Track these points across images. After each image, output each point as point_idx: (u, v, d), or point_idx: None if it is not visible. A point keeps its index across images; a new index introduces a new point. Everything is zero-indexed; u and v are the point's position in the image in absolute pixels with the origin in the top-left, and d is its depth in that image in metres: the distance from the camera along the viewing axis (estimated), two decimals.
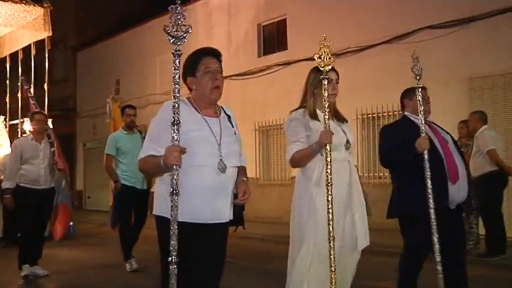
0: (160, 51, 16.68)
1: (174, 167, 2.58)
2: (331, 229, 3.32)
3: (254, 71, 13.59)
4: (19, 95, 11.71)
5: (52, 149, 6.69)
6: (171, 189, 2.58)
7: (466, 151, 7.54)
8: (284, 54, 13.09)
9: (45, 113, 9.99)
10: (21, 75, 11.48)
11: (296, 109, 3.81)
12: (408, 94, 4.28)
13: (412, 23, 10.32)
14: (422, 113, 3.87)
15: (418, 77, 3.92)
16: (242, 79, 13.83)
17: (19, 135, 10.64)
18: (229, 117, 3.08)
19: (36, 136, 6.60)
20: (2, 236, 9.45)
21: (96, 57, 19.50)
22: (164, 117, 2.77)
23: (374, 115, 11.07)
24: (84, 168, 20.38)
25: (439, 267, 3.74)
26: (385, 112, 10.85)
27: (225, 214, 2.90)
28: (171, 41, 2.84)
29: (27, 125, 10.42)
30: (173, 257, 2.60)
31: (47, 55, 11.64)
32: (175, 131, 2.59)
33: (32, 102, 9.54)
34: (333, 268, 3.31)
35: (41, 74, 11.86)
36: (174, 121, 2.58)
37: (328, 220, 3.32)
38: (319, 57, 3.59)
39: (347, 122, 3.85)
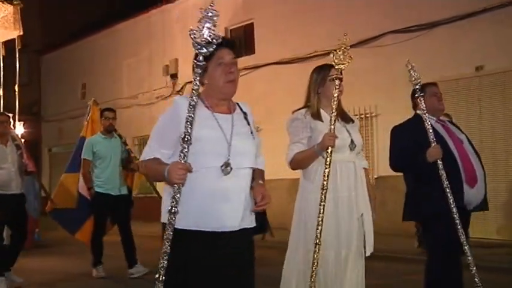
0: (127, 55, 16.59)
1: (176, 185, 2.37)
2: (318, 234, 3.19)
3: None
4: None
5: (19, 152, 6.36)
6: (170, 206, 2.37)
7: None
8: (252, 58, 13.13)
9: (16, 116, 9.82)
10: None
11: (298, 109, 3.68)
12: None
13: (377, 28, 10.49)
14: (428, 114, 3.81)
15: (417, 85, 3.83)
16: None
17: None
18: (245, 114, 2.78)
19: (0, 139, 6.25)
20: None
21: (61, 61, 19.23)
22: (172, 115, 2.58)
23: None
24: (49, 174, 20.02)
25: (472, 266, 3.64)
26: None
27: (232, 221, 2.56)
28: (196, 49, 2.41)
29: None
30: (161, 276, 2.38)
31: (17, 55, 11.08)
32: (186, 147, 2.34)
33: None
34: (313, 274, 3.20)
35: (8, 77, 11.30)
36: (184, 137, 2.34)
37: (317, 224, 3.21)
38: (335, 53, 3.43)
39: (353, 122, 3.64)
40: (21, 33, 10.73)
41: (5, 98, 11.06)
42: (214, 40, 2.38)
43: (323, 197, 3.21)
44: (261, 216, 2.83)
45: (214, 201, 2.52)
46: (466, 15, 9.39)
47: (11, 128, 6.62)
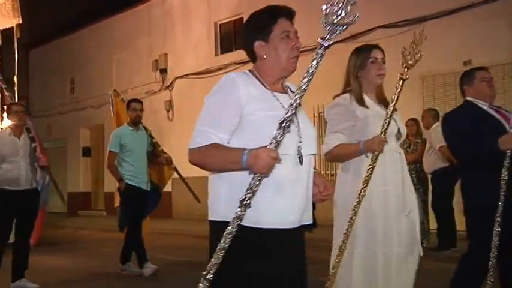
0: (117, 50, 16.51)
1: (258, 174, 2.00)
2: (348, 229, 2.96)
3: (212, 69, 13.59)
4: None
5: (33, 145, 5.91)
6: (244, 197, 2.01)
7: (415, 149, 7.77)
8: (242, 52, 13.05)
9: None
10: None
11: (339, 94, 3.30)
12: (466, 79, 3.81)
13: (366, 22, 10.53)
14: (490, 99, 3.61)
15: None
16: (199, 78, 13.82)
17: None
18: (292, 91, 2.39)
19: (14, 130, 5.80)
20: None
21: (49, 56, 19.10)
22: (230, 94, 2.20)
23: None
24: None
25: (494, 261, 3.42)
26: None
27: (306, 216, 2.26)
28: (327, 28, 2.09)
29: None
30: (210, 273, 2.09)
31: (16, 45, 10.64)
32: (283, 131, 1.96)
33: (6, 93, 8.57)
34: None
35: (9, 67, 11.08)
36: (283, 122, 1.96)
37: (350, 218, 2.96)
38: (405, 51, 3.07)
39: (396, 110, 3.22)
40: (20, 21, 10.23)
41: None
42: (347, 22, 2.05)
43: (363, 191, 2.95)
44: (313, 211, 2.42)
45: (290, 193, 2.17)
46: (454, 10, 9.46)
47: (28, 120, 6.13)
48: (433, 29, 9.73)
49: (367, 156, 3.05)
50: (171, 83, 14.68)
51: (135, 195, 6.33)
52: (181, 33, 14.66)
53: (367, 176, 2.95)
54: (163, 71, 14.80)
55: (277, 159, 1.97)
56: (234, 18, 13.54)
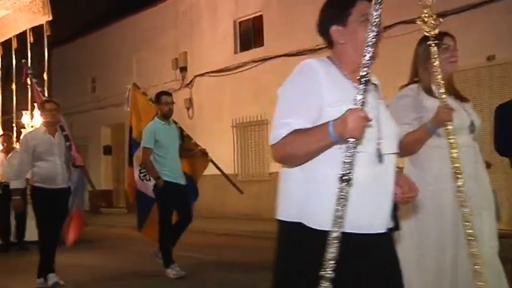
0: (137, 49, 16.62)
1: (352, 139, 1.79)
2: (469, 231, 2.68)
3: (231, 67, 13.62)
4: (13, 86, 10.98)
5: (67, 143, 5.78)
6: (341, 174, 1.79)
7: None
8: (261, 50, 13.13)
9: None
10: (22, 61, 10.25)
11: (406, 85, 3.12)
12: None
13: (384, 19, 10.43)
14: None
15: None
16: (219, 76, 13.85)
17: (14, 132, 10.17)
18: (376, 86, 2.18)
19: (48, 128, 5.65)
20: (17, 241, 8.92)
21: (71, 55, 19.30)
22: (310, 82, 2.01)
23: None
24: None
25: None
26: None
27: (381, 220, 2.01)
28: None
29: (26, 119, 10.01)
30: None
31: (46, 42, 10.56)
32: (361, 90, 1.81)
33: (38, 89, 8.45)
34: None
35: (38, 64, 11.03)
36: (361, 78, 1.80)
37: (465, 221, 2.70)
38: (423, 21, 2.90)
39: (468, 101, 3.03)
40: (51, 18, 10.14)
41: (17, 90, 10.92)
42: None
43: (458, 184, 2.66)
44: (395, 212, 2.03)
45: (368, 194, 1.96)
46: (476, 4, 9.36)
47: (60, 117, 5.97)
48: (455, 23, 9.65)
49: (439, 135, 2.82)
50: (191, 81, 14.74)
51: (174, 191, 6.05)
52: (200, 31, 14.71)
53: (455, 169, 2.68)
54: (183, 69, 14.87)
55: (367, 118, 1.77)
56: (253, 16, 13.54)
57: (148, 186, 6.42)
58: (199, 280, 6.06)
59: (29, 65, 10.18)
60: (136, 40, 16.62)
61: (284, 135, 1.93)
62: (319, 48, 11.56)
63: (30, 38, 10.66)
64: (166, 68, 15.30)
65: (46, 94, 9.81)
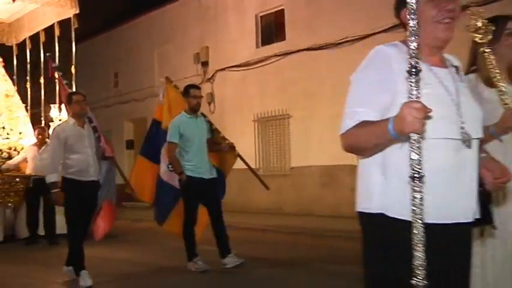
0: (158, 44, 16.70)
1: (412, 135, 1.70)
2: None
3: (252, 62, 13.60)
4: (41, 80, 11.06)
5: (96, 134, 5.77)
6: (412, 171, 1.70)
7: None
8: (282, 44, 13.08)
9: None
10: (47, 54, 10.27)
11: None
12: None
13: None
14: None
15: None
16: (241, 70, 13.85)
17: (43, 125, 10.25)
18: (457, 68, 2.07)
19: (77, 120, 5.61)
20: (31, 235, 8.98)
21: (94, 50, 19.47)
22: (382, 68, 1.93)
23: None
24: None
25: None
26: None
27: (471, 210, 1.92)
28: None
29: (55, 112, 10.05)
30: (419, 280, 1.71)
31: (73, 35, 10.59)
32: (413, 82, 1.70)
33: (63, 81, 8.35)
34: None
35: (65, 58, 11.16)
36: (411, 69, 1.69)
37: None
38: (475, 29, 2.63)
39: None
40: (78, 11, 10.16)
41: (45, 84, 11.04)
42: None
43: None
44: (482, 200, 1.89)
45: (452, 182, 1.87)
46: None
47: (88, 109, 5.89)
48: (485, 12, 9.49)
49: (501, 141, 2.68)
50: (213, 75, 14.76)
51: (196, 187, 6.00)
52: (222, 26, 14.71)
53: None
54: (205, 64, 14.89)
55: (424, 109, 1.65)
56: (274, 10, 13.49)
57: (175, 178, 6.37)
58: (226, 274, 6.00)
59: (57, 59, 10.25)
60: (158, 35, 16.70)
61: (350, 126, 1.93)
62: (340, 43, 11.53)
63: (57, 32, 10.72)
64: (188, 62, 15.34)
65: (74, 87, 9.84)
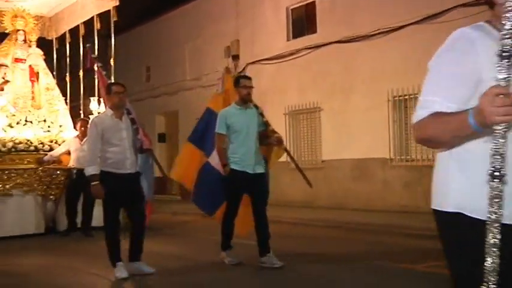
0: (189, 39, 16.80)
1: (496, 126, 1.51)
2: None
3: (284, 54, 13.57)
4: (80, 73, 11.17)
5: (134, 126, 5.62)
6: (491, 169, 1.54)
7: None
8: (314, 37, 13.01)
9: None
10: (87, 45, 10.22)
11: None
12: None
13: (443, 2, 10.14)
14: None
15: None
16: (271, 63, 13.83)
17: (84, 117, 10.23)
18: None
19: (115, 112, 5.51)
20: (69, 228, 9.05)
21: (127, 44, 19.70)
22: (460, 57, 1.77)
23: (406, 97, 10.96)
24: None
25: None
26: (417, 94, 10.73)
27: None
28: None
29: (94, 105, 10.13)
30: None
31: (112, 27, 10.63)
32: (503, 65, 1.50)
33: (102, 72, 8.21)
34: None
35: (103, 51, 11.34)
36: (502, 52, 1.49)
37: None
38: None
39: None
40: (117, 3, 10.16)
41: (84, 77, 11.15)
42: None
43: None
44: None
45: None
46: None
47: (127, 101, 5.75)
48: None
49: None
50: (243, 68, 14.77)
51: (239, 180, 5.83)
52: (252, 19, 14.70)
53: None
54: (235, 57, 14.92)
55: (509, 95, 1.46)
56: (305, 3, 13.41)
57: None
58: (272, 271, 5.73)
59: (96, 51, 10.28)
60: (189, 29, 16.79)
61: (423, 116, 1.76)
62: (372, 35, 11.40)
63: (97, 25, 10.75)
64: (219, 56, 15.39)
65: (112, 79, 9.83)
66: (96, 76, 9.85)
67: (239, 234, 6.22)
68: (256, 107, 6.17)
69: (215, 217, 6.53)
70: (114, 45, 11.18)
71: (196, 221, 10.46)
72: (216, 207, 6.43)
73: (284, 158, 6.87)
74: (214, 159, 6.30)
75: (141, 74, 19.37)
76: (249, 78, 6.18)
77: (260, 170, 5.95)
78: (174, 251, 7.38)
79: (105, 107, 5.77)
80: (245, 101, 6.00)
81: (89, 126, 5.77)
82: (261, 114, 6.21)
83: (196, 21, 16.49)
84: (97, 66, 8.83)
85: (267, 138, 6.19)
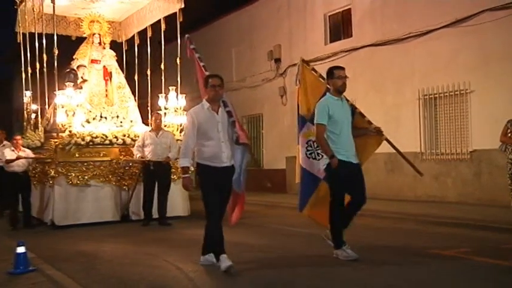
0: (236, 43, 16.96)
1: None
2: None
3: (322, 57, 13.55)
4: (148, 72, 11.37)
5: (231, 119, 5.12)
6: None
7: None
8: (349, 41, 12.96)
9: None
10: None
11: None
12: None
13: (472, 7, 9.96)
14: None
15: None
16: (311, 65, 13.79)
17: (149, 114, 10.43)
18: None
19: (212, 105, 5.06)
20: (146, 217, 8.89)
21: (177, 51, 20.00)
22: None
23: (435, 95, 10.83)
24: None
25: None
26: (446, 92, 10.59)
27: None
28: None
29: (162, 101, 10.27)
30: None
31: (178, 28, 10.54)
32: None
33: (200, 63, 7.02)
34: None
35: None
36: None
37: None
38: None
39: None
40: (183, 6, 10.16)
41: (152, 76, 11.35)
42: None
43: None
44: None
45: None
46: None
47: (224, 93, 5.25)
48: None
49: None
50: (285, 71, 14.84)
51: (347, 170, 5.21)
52: (293, 25, 14.75)
53: None
54: (277, 60, 14.98)
55: None
56: (342, 10, 13.36)
57: (314, 165, 5.73)
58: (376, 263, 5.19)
59: (162, 53, 10.51)
60: (235, 35, 16.94)
61: None
62: (404, 38, 11.28)
63: (163, 26, 10.88)
64: (262, 59, 15.49)
65: (179, 79, 10.31)
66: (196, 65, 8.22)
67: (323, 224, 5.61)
68: (346, 99, 5.53)
69: (305, 212, 5.85)
70: (169, 50, 11.35)
71: (259, 211, 10.32)
72: (303, 202, 5.81)
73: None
74: (301, 155, 5.85)
75: (191, 76, 19.56)
76: (343, 69, 5.50)
77: (358, 160, 5.41)
78: (263, 243, 6.80)
79: (203, 96, 5.24)
80: (340, 91, 5.40)
81: (186, 118, 5.29)
82: (352, 106, 5.64)
83: (242, 29, 16.63)
84: (196, 56, 7.44)
85: (359, 129, 5.57)
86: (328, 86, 5.54)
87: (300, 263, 5.41)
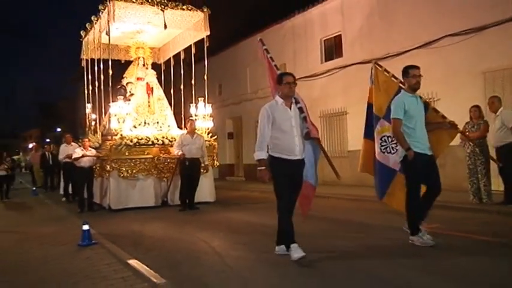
0: (249, 63, 17.19)
1: None
2: None
3: (318, 73, 13.79)
4: (181, 86, 11.61)
5: (302, 115, 4.63)
6: None
7: (478, 128, 7.50)
8: (340, 60, 13.17)
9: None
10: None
11: None
12: None
13: (438, 32, 10.14)
14: None
15: None
16: (310, 80, 14.06)
17: (183, 120, 10.58)
18: None
19: (285, 100, 4.56)
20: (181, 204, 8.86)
21: (204, 69, 20.25)
22: None
23: None
24: None
25: None
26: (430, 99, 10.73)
27: None
28: None
29: (193, 109, 10.61)
30: None
31: (205, 50, 10.77)
32: None
33: (272, 63, 6.22)
34: None
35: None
36: None
37: None
38: None
39: None
40: (209, 33, 10.48)
41: (184, 89, 11.62)
42: None
43: None
44: None
45: None
46: (509, 19, 8.85)
47: (295, 90, 4.71)
48: (492, 35, 9.20)
49: None
50: None
51: (423, 162, 4.75)
52: (296, 47, 14.96)
53: None
54: None
55: None
56: (335, 35, 13.56)
57: (389, 159, 5.30)
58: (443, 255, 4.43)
59: (193, 72, 10.83)
60: (248, 56, 17.17)
61: None
62: (386, 57, 11.45)
63: (193, 49, 11.25)
64: None
65: (206, 91, 10.65)
66: (267, 64, 6.87)
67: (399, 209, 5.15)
68: (420, 97, 5.00)
69: (384, 200, 5.43)
70: (197, 70, 11.66)
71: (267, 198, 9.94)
72: (383, 193, 5.42)
73: None
74: (376, 150, 5.44)
75: (215, 89, 19.89)
76: (418, 68, 4.94)
77: (432, 152, 4.90)
78: (257, 220, 6.87)
79: (276, 94, 4.73)
80: (415, 89, 4.90)
81: (260, 113, 4.59)
82: (425, 102, 5.15)
83: (254, 51, 16.64)
84: (267, 56, 6.53)
85: (432, 124, 5.08)
86: (401, 85, 5.15)
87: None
